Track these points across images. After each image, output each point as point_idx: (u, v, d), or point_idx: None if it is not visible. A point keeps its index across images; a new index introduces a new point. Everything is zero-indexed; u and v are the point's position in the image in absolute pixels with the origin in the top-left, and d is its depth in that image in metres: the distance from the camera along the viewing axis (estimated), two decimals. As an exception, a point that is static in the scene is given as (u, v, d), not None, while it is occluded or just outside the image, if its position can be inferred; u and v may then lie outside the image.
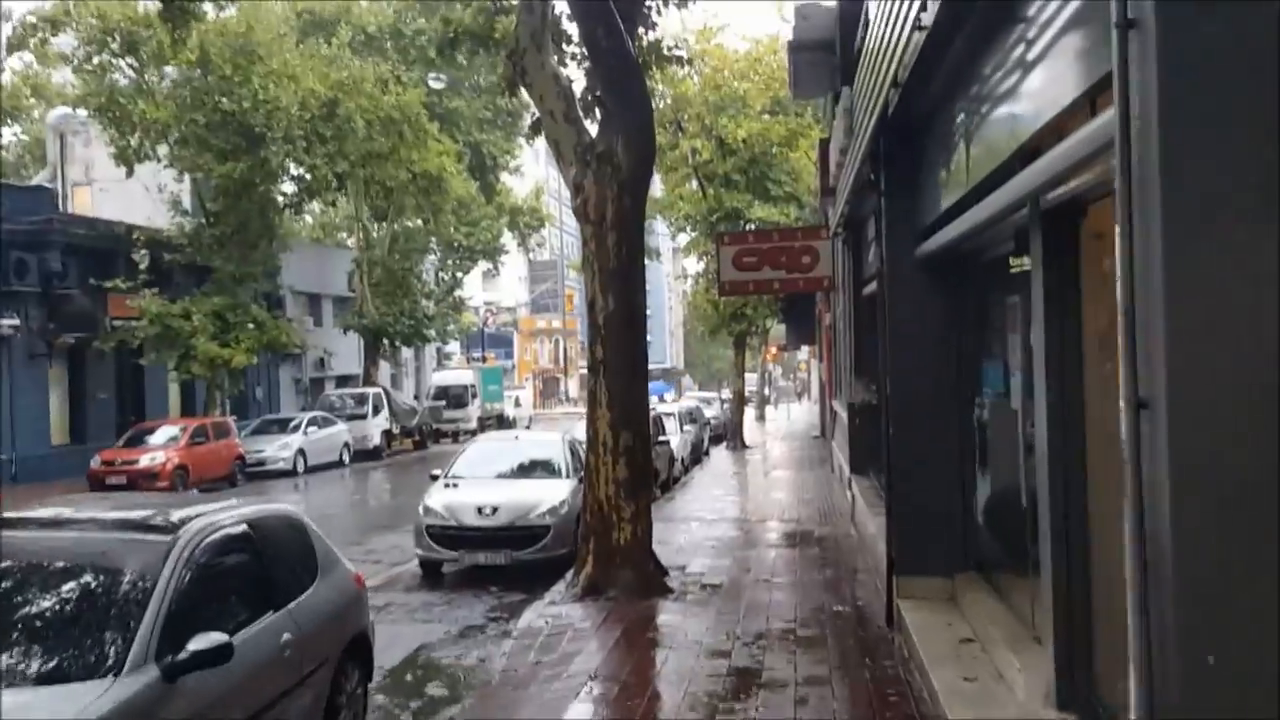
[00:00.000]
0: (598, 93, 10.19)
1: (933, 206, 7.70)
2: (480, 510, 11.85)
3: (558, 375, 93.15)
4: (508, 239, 51.73)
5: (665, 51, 11.29)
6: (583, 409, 47.73)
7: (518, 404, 47.54)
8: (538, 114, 10.86)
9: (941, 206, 7.43)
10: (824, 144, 13.25)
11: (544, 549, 11.66)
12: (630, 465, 9.82)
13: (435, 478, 13.27)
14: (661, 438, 19.38)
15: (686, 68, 28.95)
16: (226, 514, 5.77)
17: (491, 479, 12.88)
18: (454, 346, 63.33)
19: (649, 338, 62.66)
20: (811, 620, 8.72)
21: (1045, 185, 4.84)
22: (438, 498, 12.31)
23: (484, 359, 53.61)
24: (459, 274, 51.68)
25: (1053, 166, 4.55)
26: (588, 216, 9.89)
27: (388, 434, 32.94)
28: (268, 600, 5.71)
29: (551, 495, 12.15)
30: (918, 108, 7.23)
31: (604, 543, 9.85)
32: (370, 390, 33.61)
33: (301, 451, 27.58)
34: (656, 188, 37.41)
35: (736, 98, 28.58)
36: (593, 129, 10.44)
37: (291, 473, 26.91)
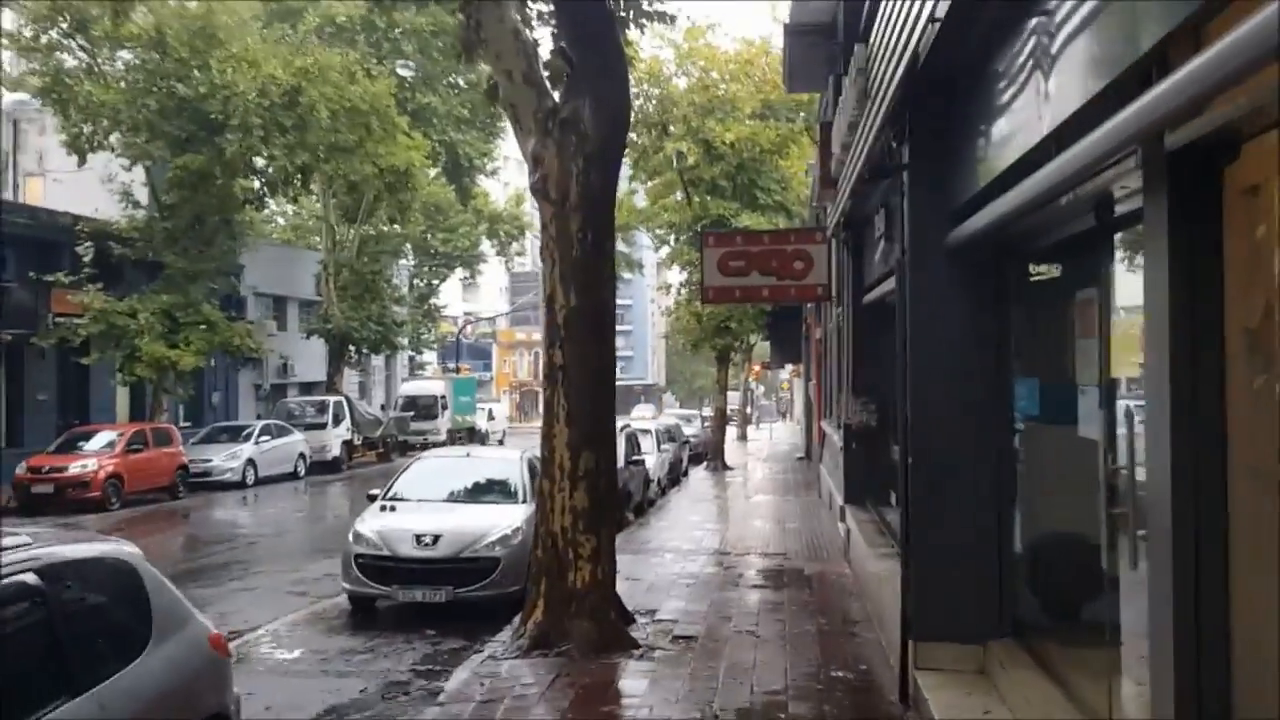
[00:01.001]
0: (563, 46, 8.61)
1: (969, 181, 6.16)
2: (419, 539, 10.18)
3: (536, 388, 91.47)
4: (487, 248, 50.21)
5: (647, 4, 9.77)
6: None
7: (491, 417, 45.83)
8: (495, 78, 9.25)
9: (979, 182, 5.90)
10: (825, 128, 11.76)
11: (492, 585, 10.02)
12: (591, 493, 8.21)
13: (372, 498, 11.61)
14: (635, 457, 17.79)
15: (674, 66, 27.71)
16: (10, 558, 4.13)
17: (435, 502, 11.20)
18: (430, 357, 61.60)
19: (630, 352, 61.52)
20: (807, 690, 7.10)
21: (1175, 114, 3.28)
22: (371, 523, 10.64)
23: (458, 370, 51.86)
24: (435, 281, 50.05)
25: (1194, 83, 2.98)
26: (547, 195, 8.31)
27: (348, 445, 31.19)
28: (63, 680, 4.07)
29: (504, 521, 10.51)
30: (961, 50, 5.68)
31: (558, 585, 8.22)
32: (331, 398, 31.85)
33: (251, 462, 25.83)
34: (640, 197, 36.08)
35: (725, 100, 27.13)
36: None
37: (240, 484, 25.17)
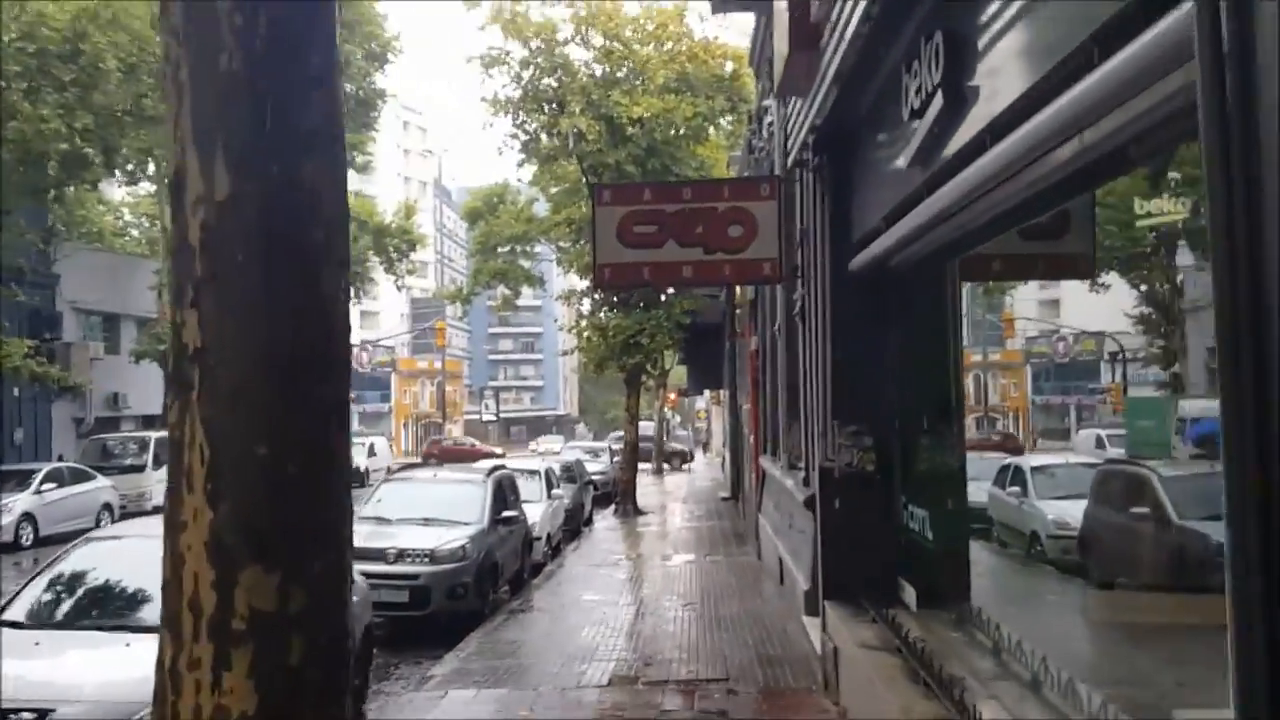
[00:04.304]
0: None
1: None
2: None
3: (439, 419, 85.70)
4: (377, 269, 44.89)
5: None
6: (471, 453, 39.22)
7: (372, 453, 40.04)
8: None
9: None
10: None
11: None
12: (272, 680, 3.13)
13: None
14: (507, 513, 12.69)
15: (570, 31, 22.95)
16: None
17: (72, 630, 6.03)
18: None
19: (540, 381, 55.50)
20: None
21: None
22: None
23: (338, 400, 45.84)
24: (313, 302, 44.37)
25: None
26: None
27: (176, 491, 25.30)
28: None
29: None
30: None
31: None
32: (153, 435, 26.07)
33: (29, 516, 20.05)
34: (541, 206, 31.21)
35: (634, 67, 22.47)
36: None
37: (13, 546, 19.39)
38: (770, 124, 12.54)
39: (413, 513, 11.86)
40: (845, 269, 7.61)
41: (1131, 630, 6.77)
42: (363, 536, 11.31)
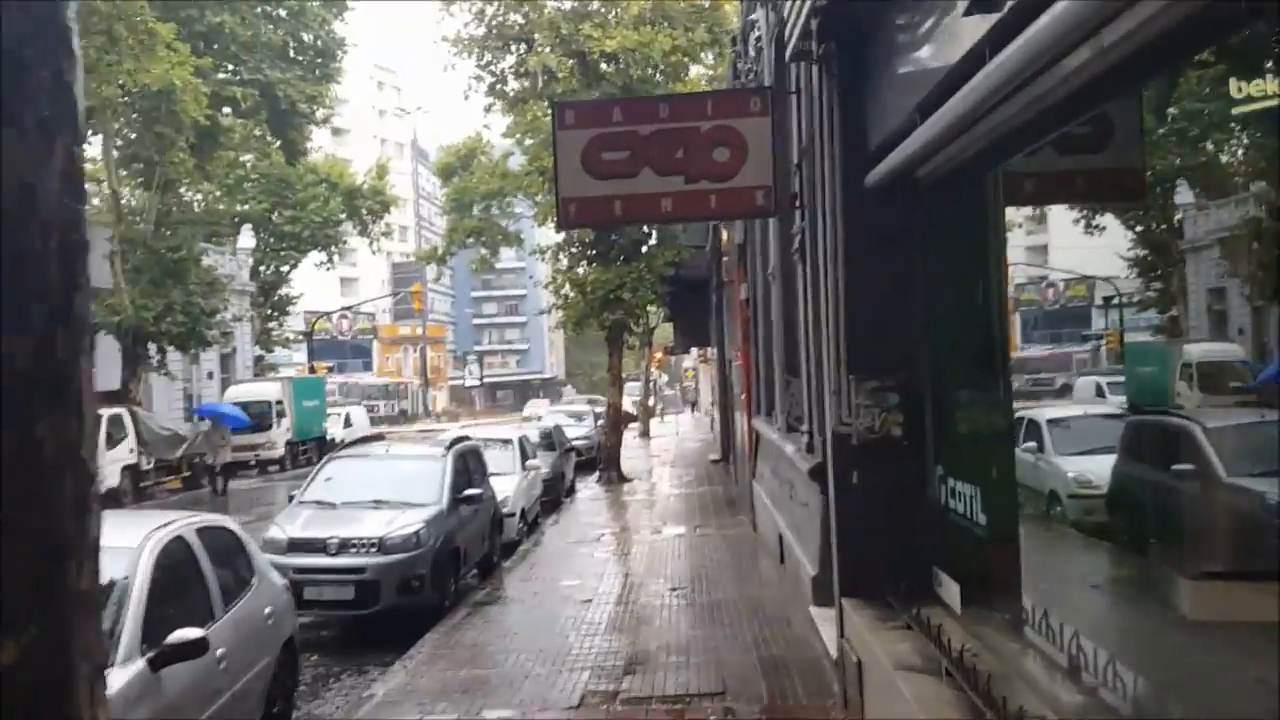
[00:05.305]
0: None
1: None
2: None
3: (423, 387, 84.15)
4: (351, 233, 43.12)
5: None
6: (447, 424, 37.86)
7: (348, 423, 38.45)
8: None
9: None
10: None
11: None
12: None
13: None
14: (470, 491, 11.19)
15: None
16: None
17: None
18: (300, 357, 53.77)
19: (525, 345, 53.38)
20: None
21: None
22: None
23: (313, 369, 44.27)
24: (283, 268, 42.72)
25: None
26: None
27: (134, 470, 23.82)
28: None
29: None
30: None
31: None
32: (106, 412, 24.41)
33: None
34: (516, 160, 29.52)
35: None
36: None
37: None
38: (758, 39, 10.97)
39: (361, 495, 10.37)
40: (859, 187, 6.09)
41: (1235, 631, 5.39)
42: (301, 524, 9.89)
